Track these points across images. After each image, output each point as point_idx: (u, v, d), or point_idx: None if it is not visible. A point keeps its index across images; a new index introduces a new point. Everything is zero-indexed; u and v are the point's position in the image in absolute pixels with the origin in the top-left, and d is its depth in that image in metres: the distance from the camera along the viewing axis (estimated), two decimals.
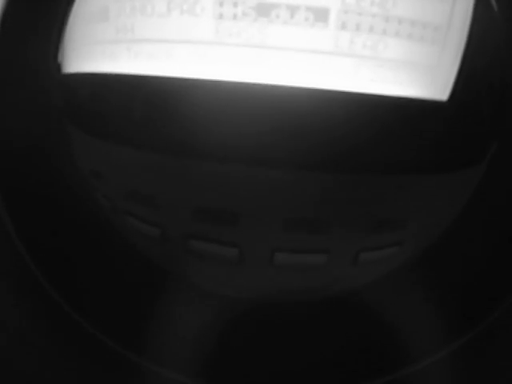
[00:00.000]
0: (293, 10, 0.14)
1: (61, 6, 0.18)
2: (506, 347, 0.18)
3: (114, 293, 0.19)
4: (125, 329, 0.19)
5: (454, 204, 0.17)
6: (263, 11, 0.14)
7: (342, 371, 0.19)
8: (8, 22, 0.19)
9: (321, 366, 0.18)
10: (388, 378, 0.18)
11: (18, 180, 0.19)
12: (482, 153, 0.16)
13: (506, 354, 0.18)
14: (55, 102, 0.18)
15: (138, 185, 0.17)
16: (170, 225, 0.17)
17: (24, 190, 0.19)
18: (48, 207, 0.19)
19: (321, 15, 0.14)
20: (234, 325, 0.18)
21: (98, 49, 0.16)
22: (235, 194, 0.15)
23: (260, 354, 0.18)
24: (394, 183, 0.15)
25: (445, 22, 0.14)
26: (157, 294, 0.18)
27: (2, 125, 0.19)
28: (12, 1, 0.19)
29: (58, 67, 0.18)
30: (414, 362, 0.18)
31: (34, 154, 0.18)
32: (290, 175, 0.15)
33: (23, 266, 0.19)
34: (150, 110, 0.16)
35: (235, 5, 0.14)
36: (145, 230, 0.17)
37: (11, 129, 0.19)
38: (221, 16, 0.14)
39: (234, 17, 0.14)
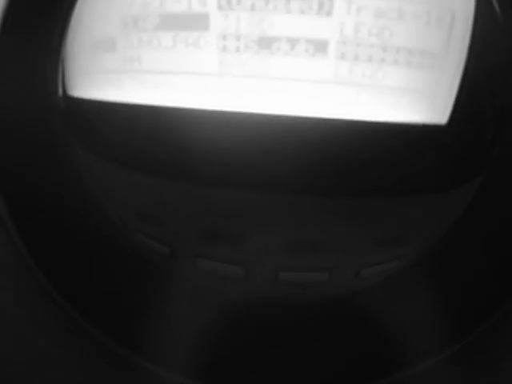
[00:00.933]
0: (293, 42, 0.15)
1: (59, 27, 0.18)
2: (506, 350, 0.18)
3: (115, 293, 0.19)
4: (125, 329, 0.19)
5: (449, 218, 0.17)
6: (265, 44, 0.15)
7: (341, 373, 0.19)
8: (7, 40, 0.19)
9: (320, 368, 0.19)
10: (387, 380, 0.19)
11: (23, 188, 0.19)
12: (477, 171, 0.17)
13: (505, 356, 0.18)
14: (60, 125, 0.19)
15: (149, 207, 0.17)
16: (178, 245, 0.17)
17: (30, 200, 0.19)
18: (51, 214, 0.19)
19: (320, 46, 0.15)
20: (233, 325, 0.18)
21: (104, 77, 0.17)
22: (241, 218, 0.16)
23: (259, 355, 0.19)
24: (394, 204, 0.16)
25: (442, 48, 0.15)
26: (156, 294, 0.19)
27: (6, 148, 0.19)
28: (11, 15, 0.19)
29: (63, 91, 0.18)
30: (413, 365, 0.18)
31: (37, 172, 0.19)
32: (292, 200, 0.16)
33: (24, 266, 0.19)
34: (156, 138, 0.16)
35: (238, 38, 0.15)
36: (154, 247, 0.18)
37: (13, 151, 0.19)
38: (224, 49, 0.15)
39: (237, 49, 0.15)
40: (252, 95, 0.15)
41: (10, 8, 0.19)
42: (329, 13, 0.14)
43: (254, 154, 0.15)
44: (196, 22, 0.15)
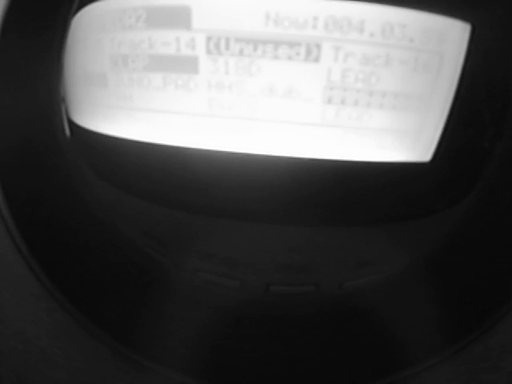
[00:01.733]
0: (280, 87, 0.15)
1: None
2: (506, 349, 0.18)
3: (116, 293, 0.20)
4: (126, 328, 0.20)
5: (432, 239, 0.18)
6: (253, 87, 0.15)
7: (341, 373, 0.20)
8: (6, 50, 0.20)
9: (320, 368, 0.19)
10: (386, 380, 0.19)
11: (22, 189, 0.20)
12: (459, 198, 0.17)
13: (505, 356, 0.18)
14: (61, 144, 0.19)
15: (154, 230, 0.18)
16: (180, 261, 0.19)
17: (31, 200, 0.20)
18: (52, 217, 0.20)
19: (307, 91, 0.15)
20: (233, 324, 0.19)
21: (98, 110, 0.17)
22: (237, 243, 0.17)
23: (259, 355, 0.19)
24: (373, 232, 0.17)
25: (429, 90, 0.15)
26: (158, 295, 0.20)
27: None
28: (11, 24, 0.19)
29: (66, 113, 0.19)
30: (412, 366, 0.19)
31: (38, 178, 0.20)
32: (281, 230, 0.16)
33: (26, 266, 0.20)
34: (151, 172, 0.17)
35: (227, 82, 0.15)
36: (158, 259, 0.19)
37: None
38: (214, 91, 0.15)
39: (226, 92, 0.15)
40: (240, 135, 0.15)
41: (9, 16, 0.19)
42: (316, 59, 0.14)
43: (240, 190, 0.16)
44: (185, 64, 0.15)
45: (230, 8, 0.14)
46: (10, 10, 0.19)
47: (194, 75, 0.15)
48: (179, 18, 0.15)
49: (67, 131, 0.20)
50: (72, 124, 0.19)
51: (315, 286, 0.18)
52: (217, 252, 0.18)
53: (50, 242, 0.20)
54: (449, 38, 0.15)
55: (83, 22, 0.17)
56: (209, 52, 0.15)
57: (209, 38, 0.15)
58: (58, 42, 0.20)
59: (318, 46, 0.14)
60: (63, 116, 0.20)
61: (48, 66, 0.20)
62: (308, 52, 0.14)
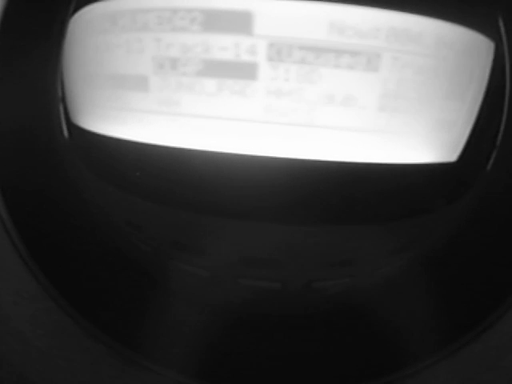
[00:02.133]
0: (340, 95, 0.15)
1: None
2: (505, 349, 0.18)
3: (114, 293, 0.20)
4: (125, 328, 0.20)
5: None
6: (311, 95, 0.15)
7: (338, 373, 0.20)
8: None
9: (316, 368, 0.20)
10: (385, 380, 0.19)
11: (19, 181, 0.20)
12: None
13: (504, 355, 0.18)
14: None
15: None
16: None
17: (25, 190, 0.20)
18: (51, 218, 0.20)
19: (364, 99, 0.15)
20: (231, 325, 0.19)
21: (131, 115, 0.16)
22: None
23: (257, 355, 0.20)
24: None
25: (465, 98, 0.16)
26: (155, 294, 0.20)
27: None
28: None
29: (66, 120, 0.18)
30: (410, 365, 0.19)
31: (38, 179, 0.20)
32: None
33: (24, 266, 0.19)
34: (192, 179, 0.17)
35: (286, 89, 0.15)
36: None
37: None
38: (271, 98, 0.15)
39: (285, 99, 0.15)
40: (296, 142, 0.16)
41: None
42: (375, 69, 0.15)
43: (292, 194, 0.16)
44: (243, 70, 0.15)
45: (294, 15, 0.15)
46: (8, 10, 0.19)
47: (252, 81, 0.15)
48: (240, 23, 0.15)
49: (65, 132, 0.20)
50: (74, 126, 0.19)
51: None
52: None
53: (49, 243, 0.20)
54: (482, 54, 0.16)
55: (94, 21, 0.16)
56: (270, 59, 0.15)
57: (271, 45, 0.15)
58: (55, 42, 0.19)
59: (379, 56, 0.15)
60: (61, 117, 0.19)
61: (45, 66, 0.19)
62: (368, 61, 0.15)
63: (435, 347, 0.19)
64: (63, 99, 0.20)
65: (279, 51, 0.15)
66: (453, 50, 0.15)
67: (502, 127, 0.19)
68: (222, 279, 0.19)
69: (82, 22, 0.17)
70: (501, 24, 0.18)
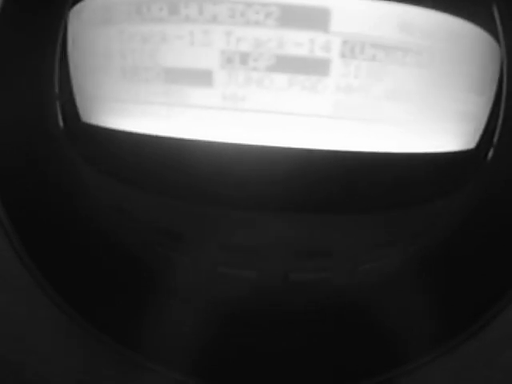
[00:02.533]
0: (405, 90, 0.16)
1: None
2: (502, 346, 0.18)
3: (112, 292, 0.19)
4: (123, 327, 0.20)
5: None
6: (380, 91, 0.16)
7: (336, 370, 0.20)
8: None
9: (314, 365, 0.19)
10: (383, 377, 0.19)
11: (21, 191, 0.19)
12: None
13: (501, 353, 0.18)
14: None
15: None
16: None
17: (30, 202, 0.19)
18: (48, 215, 0.19)
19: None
20: (229, 324, 0.20)
21: (190, 112, 0.16)
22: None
23: (255, 352, 0.20)
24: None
25: (487, 88, 0.18)
26: (154, 293, 0.20)
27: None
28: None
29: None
30: (407, 362, 0.19)
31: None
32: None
33: (22, 264, 0.19)
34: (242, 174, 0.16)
35: (355, 85, 0.15)
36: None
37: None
38: (340, 93, 0.15)
39: (354, 94, 0.16)
40: (362, 137, 0.16)
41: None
42: (429, 65, 0.16)
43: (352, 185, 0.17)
44: (316, 66, 0.15)
45: (368, 14, 0.15)
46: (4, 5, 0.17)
47: (324, 77, 0.15)
48: (316, 20, 0.15)
49: (62, 126, 0.19)
50: (83, 124, 0.18)
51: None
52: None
53: (47, 242, 0.19)
54: (495, 50, 0.18)
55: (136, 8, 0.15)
56: (343, 55, 0.15)
57: (345, 42, 0.15)
58: (52, 39, 0.18)
59: (433, 54, 0.16)
60: (58, 113, 0.19)
61: (43, 62, 0.18)
62: (430, 60, 0.16)
63: (432, 344, 0.19)
64: (60, 97, 0.19)
65: (352, 48, 0.15)
66: (476, 48, 0.17)
67: (500, 121, 0.20)
68: (202, 266, 0.18)
69: (113, 10, 0.16)
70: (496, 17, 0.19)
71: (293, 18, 0.15)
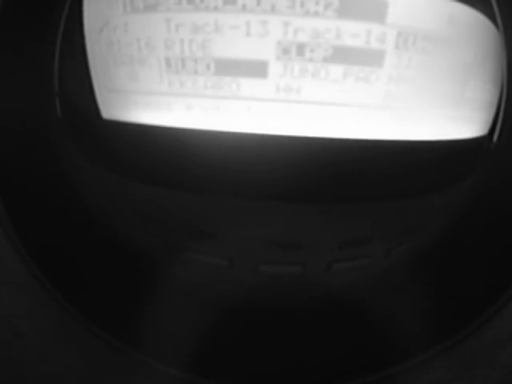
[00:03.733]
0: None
1: None
2: (500, 345, 0.18)
3: (110, 287, 0.19)
4: (120, 322, 0.20)
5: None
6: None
7: (334, 367, 0.19)
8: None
9: (311, 362, 0.19)
10: (380, 375, 0.19)
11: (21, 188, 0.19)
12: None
13: (500, 351, 0.18)
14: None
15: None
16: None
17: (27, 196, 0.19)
18: (47, 214, 0.19)
19: None
20: (226, 319, 0.19)
21: (242, 104, 0.15)
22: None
23: (252, 348, 0.19)
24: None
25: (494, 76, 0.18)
26: (152, 289, 0.19)
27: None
28: None
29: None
30: (406, 359, 0.19)
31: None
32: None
33: (20, 260, 0.19)
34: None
35: (406, 75, 0.16)
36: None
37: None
38: (392, 84, 0.16)
39: (403, 86, 0.16)
40: (409, 124, 0.16)
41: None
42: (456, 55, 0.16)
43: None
44: (371, 58, 0.15)
45: (421, 6, 0.15)
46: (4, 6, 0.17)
47: (378, 68, 0.15)
48: (374, 11, 0.15)
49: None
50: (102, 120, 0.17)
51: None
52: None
53: (45, 237, 0.19)
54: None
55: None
56: (397, 47, 0.15)
57: (399, 34, 0.15)
58: (51, 37, 0.18)
59: (466, 46, 0.16)
60: (58, 112, 0.18)
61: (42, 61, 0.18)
62: (464, 51, 0.16)
63: (431, 342, 0.19)
64: (60, 94, 0.18)
65: (406, 40, 0.15)
66: (483, 43, 0.17)
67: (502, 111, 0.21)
68: (242, 267, 0.18)
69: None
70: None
71: (351, 8, 0.15)
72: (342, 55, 0.15)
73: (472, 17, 0.16)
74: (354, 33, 0.15)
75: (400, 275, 0.19)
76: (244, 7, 0.14)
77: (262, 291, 0.19)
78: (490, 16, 0.17)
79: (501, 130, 0.20)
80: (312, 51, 0.15)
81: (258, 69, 0.15)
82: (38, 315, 0.19)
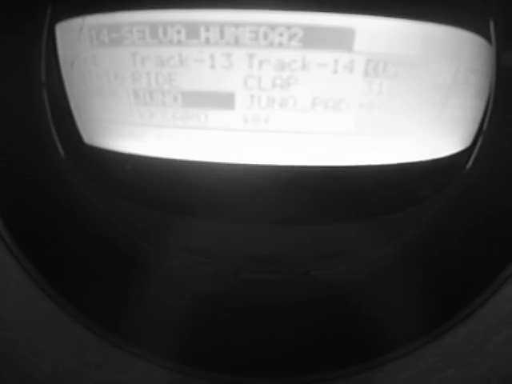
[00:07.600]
0: None
1: None
2: (491, 332, 0.18)
3: (100, 280, 0.20)
4: (111, 314, 0.20)
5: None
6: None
7: (323, 358, 0.19)
8: None
9: (301, 353, 0.19)
10: (370, 364, 0.19)
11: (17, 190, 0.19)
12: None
13: (491, 338, 0.18)
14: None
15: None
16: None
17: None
18: (41, 212, 0.19)
19: None
20: (214, 307, 0.20)
21: (208, 135, 0.15)
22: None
23: (240, 340, 0.20)
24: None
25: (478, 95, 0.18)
26: (142, 281, 0.20)
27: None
28: None
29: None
30: (396, 349, 0.19)
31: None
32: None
33: (8, 253, 0.19)
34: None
35: (376, 102, 0.15)
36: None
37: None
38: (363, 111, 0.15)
39: (375, 111, 0.16)
40: (382, 150, 0.16)
41: None
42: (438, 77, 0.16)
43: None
44: (340, 85, 0.15)
45: (390, 32, 0.15)
46: None
47: (347, 96, 0.15)
48: (340, 40, 0.14)
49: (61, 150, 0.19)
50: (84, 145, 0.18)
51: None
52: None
53: (35, 230, 0.19)
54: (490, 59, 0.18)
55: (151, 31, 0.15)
56: (366, 74, 0.15)
57: (368, 61, 0.15)
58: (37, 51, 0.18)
59: (448, 68, 0.16)
60: (55, 136, 0.19)
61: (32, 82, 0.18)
62: (445, 73, 0.16)
63: (420, 332, 0.19)
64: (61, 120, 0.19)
65: (375, 67, 0.15)
66: (466, 58, 0.17)
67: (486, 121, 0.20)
68: (226, 274, 0.19)
69: (122, 32, 0.15)
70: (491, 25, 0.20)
71: (317, 38, 0.14)
72: (309, 84, 0.15)
73: (450, 34, 0.15)
74: (320, 62, 0.14)
75: (389, 268, 0.19)
76: (207, 40, 0.14)
77: (244, 293, 0.20)
78: (476, 29, 0.16)
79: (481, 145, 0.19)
80: (278, 81, 0.15)
81: (224, 100, 0.15)
82: (28, 308, 0.19)
